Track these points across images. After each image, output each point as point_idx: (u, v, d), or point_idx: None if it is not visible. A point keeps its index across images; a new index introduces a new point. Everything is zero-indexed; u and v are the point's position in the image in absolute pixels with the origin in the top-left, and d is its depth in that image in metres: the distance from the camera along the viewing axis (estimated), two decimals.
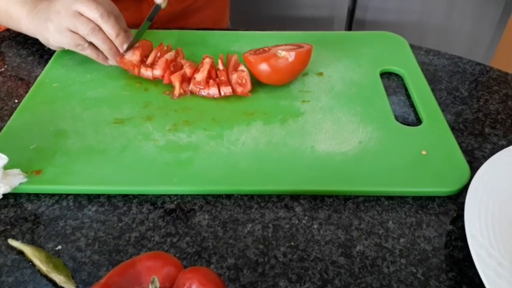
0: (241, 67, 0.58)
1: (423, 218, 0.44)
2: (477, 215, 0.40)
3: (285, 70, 0.56)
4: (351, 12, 1.60)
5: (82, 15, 0.57)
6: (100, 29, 0.57)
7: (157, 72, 0.58)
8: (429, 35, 1.63)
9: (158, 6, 0.62)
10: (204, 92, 0.57)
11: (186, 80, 0.58)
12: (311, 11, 1.58)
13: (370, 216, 0.44)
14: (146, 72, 0.59)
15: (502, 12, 1.54)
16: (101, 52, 0.60)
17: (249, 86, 0.57)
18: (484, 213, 0.40)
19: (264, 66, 0.56)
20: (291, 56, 0.55)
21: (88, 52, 0.60)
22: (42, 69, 0.62)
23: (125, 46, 0.59)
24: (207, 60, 0.59)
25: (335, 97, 0.57)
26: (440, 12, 1.56)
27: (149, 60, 0.59)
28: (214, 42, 0.67)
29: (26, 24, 0.63)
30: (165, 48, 0.61)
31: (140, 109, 0.55)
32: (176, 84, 0.57)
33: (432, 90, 0.59)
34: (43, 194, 0.46)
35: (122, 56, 0.59)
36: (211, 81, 0.57)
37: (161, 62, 0.58)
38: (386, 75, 0.63)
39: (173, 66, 0.59)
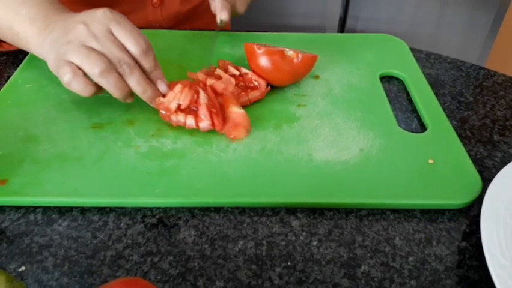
0: (235, 108, 0.49)
1: (433, 233, 0.40)
2: (495, 231, 0.36)
3: (288, 70, 0.52)
4: (343, 21, 1.59)
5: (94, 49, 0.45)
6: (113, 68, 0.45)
7: (204, 124, 0.46)
8: (419, 44, 1.60)
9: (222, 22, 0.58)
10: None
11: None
12: (303, 19, 1.56)
13: (375, 231, 0.40)
14: (189, 122, 0.47)
15: (493, 21, 1.54)
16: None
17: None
18: (502, 229, 0.36)
19: (267, 61, 0.51)
20: (298, 57, 0.51)
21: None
22: (15, 70, 0.57)
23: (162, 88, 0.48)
24: (202, 98, 0.48)
25: (333, 101, 0.53)
26: (430, 21, 1.55)
27: (185, 103, 0.48)
28: (202, 43, 0.63)
29: (36, 46, 0.50)
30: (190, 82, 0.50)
31: (121, 113, 0.50)
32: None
33: (436, 95, 0.55)
34: (8, 207, 0.41)
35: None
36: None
37: (204, 111, 0.46)
38: (385, 79, 0.59)
39: (212, 104, 0.48)
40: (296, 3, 1.52)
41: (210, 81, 0.50)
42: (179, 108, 0.47)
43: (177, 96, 0.47)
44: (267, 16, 1.54)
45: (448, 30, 1.57)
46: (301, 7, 1.53)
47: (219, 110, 0.47)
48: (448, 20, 1.54)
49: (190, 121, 0.46)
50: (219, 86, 0.49)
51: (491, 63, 1.69)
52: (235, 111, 0.48)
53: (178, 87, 0.48)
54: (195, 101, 0.47)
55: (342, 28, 1.61)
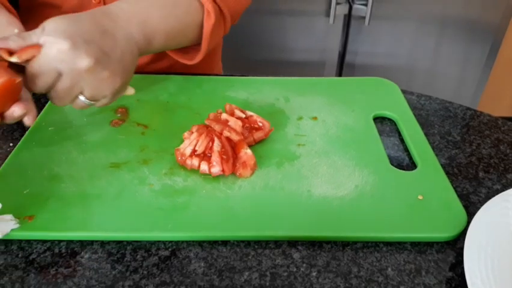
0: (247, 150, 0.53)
1: (422, 264, 0.44)
2: (477, 261, 0.39)
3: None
4: (342, 56, 1.65)
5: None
6: None
7: (216, 169, 0.51)
8: (416, 78, 1.67)
9: None
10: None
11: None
12: (303, 55, 1.62)
13: (369, 263, 0.43)
14: (203, 167, 0.51)
15: (488, 56, 1.60)
16: None
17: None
18: (483, 259, 0.40)
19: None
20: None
21: None
22: (39, 113, 0.62)
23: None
24: (216, 146, 0.52)
25: (330, 141, 0.58)
26: (427, 56, 1.61)
27: (201, 149, 0.52)
28: (210, 87, 0.68)
29: None
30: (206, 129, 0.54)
31: (137, 153, 0.55)
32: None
33: (425, 134, 0.60)
34: (35, 241, 0.45)
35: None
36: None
37: (216, 158, 0.51)
38: (379, 120, 0.64)
39: (224, 152, 0.52)
40: (297, 39, 1.59)
41: (226, 133, 0.54)
42: (193, 153, 0.52)
43: (192, 143, 0.53)
44: (269, 52, 1.60)
45: (444, 64, 1.62)
46: (302, 43, 1.59)
47: (229, 156, 0.52)
48: (444, 54, 1.60)
49: (203, 166, 0.51)
50: (234, 137, 0.54)
51: (487, 96, 1.74)
52: (244, 152, 0.53)
53: (194, 135, 0.54)
54: (210, 148, 0.52)
55: (341, 63, 1.67)
